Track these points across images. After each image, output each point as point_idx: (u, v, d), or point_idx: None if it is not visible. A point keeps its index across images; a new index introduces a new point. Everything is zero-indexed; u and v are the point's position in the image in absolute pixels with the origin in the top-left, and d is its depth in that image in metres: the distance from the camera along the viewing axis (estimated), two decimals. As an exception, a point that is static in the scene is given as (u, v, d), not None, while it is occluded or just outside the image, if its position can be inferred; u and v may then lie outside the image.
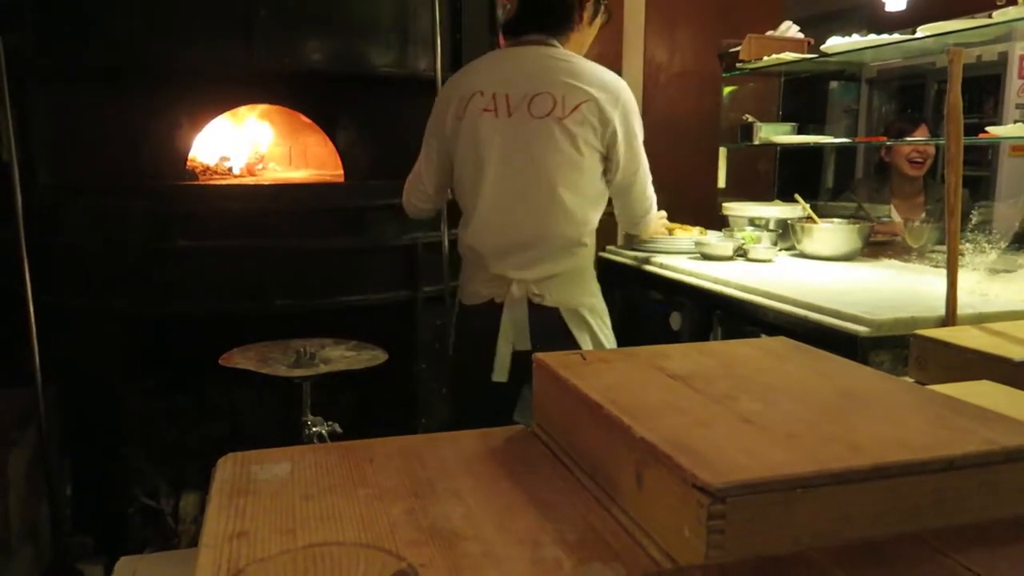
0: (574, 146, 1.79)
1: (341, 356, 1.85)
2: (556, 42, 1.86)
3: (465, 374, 1.94)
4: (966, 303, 1.76)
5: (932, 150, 2.98)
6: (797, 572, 0.58)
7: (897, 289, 2.09)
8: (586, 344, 1.86)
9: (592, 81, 1.80)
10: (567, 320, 1.85)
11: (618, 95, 1.81)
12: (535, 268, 1.83)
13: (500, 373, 1.83)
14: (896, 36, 2.43)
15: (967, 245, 2.05)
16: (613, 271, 2.71)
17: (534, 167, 1.80)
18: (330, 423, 1.79)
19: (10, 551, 1.93)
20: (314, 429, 1.77)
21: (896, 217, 2.98)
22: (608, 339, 1.93)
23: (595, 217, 1.89)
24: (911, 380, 1.21)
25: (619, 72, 2.69)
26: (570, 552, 0.64)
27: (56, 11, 2.18)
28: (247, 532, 0.67)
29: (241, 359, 1.79)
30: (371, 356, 1.85)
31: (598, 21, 1.95)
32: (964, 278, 1.80)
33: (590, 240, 1.89)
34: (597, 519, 0.70)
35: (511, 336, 1.84)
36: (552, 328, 1.84)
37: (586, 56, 1.91)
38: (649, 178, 1.92)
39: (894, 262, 2.53)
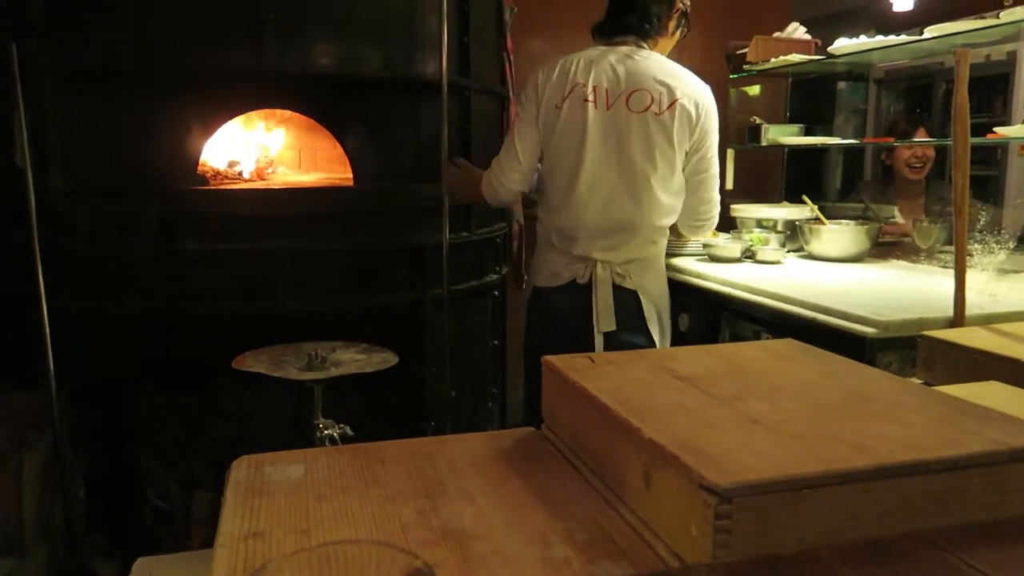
0: (668, 141, 1.94)
1: (352, 359, 1.87)
2: (646, 45, 2.02)
3: (543, 352, 1.97)
4: (974, 304, 1.76)
5: (932, 153, 2.99)
6: (804, 571, 0.59)
7: (905, 290, 2.09)
8: (654, 330, 2.02)
9: (687, 83, 1.97)
10: (643, 304, 2.01)
11: (707, 99, 1.98)
12: (621, 251, 2.00)
13: (598, 349, 1.97)
14: (903, 37, 2.42)
15: (976, 245, 2.05)
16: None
17: (630, 157, 1.95)
18: (341, 426, 1.80)
19: (25, 550, 1.95)
20: (326, 432, 1.79)
21: (900, 218, 2.99)
22: (667, 330, 2.08)
23: (679, 208, 2.05)
24: (919, 381, 1.21)
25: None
26: (579, 551, 0.65)
27: (68, 17, 2.20)
28: (262, 532, 0.68)
29: (253, 362, 1.80)
30: (382, 359, 1.87)
31: (679, 33, 2.11)
32: (973, 278, 1.80)
33: (667, 232, 2.08)
34: (606, 519, 0.71)
35: (601, 315, 1.98)
36: (630, 311, 2.00)
37: None
38: (717, 183, 2.04)
39: (902, 263, 2.53)
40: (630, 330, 2.00)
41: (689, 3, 2.09)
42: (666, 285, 2.10)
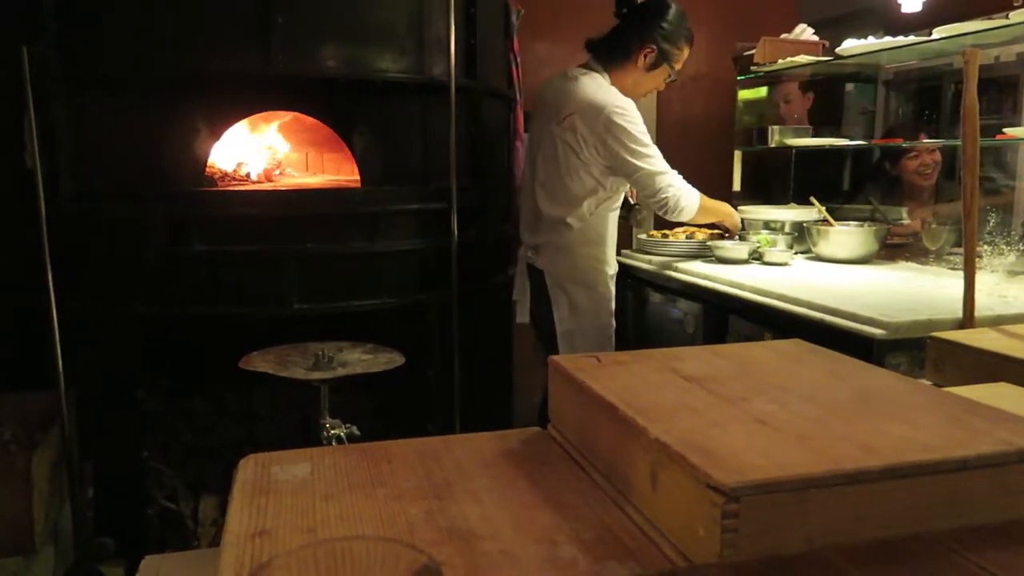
0: (566, 148, 2.30)
1: (358, 359, 1.87)
2: (602, 71, 2.34)
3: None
4: (984, 305, 1.75)
5: (939, 157, 2.97)
6: (811, 571, 0.59)
7: (914, 291, 2.08)
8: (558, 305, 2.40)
9: (579, 100, 2.27)
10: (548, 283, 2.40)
11: (600, 111, 2.23)
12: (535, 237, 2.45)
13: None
14: (912, 38, 2.41)
15: (985, 247, 2.04)
16: (628, 274, 2.72)
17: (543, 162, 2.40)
18: (348, 425, 1.81)
19: (34, 551, 1.96)
20: (332, 432, 1.79)
21: (907, 220, 2.97)
22: (579, 308, 2.39)
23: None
24: (928, 383, 1.20)
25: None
26: (586, 551, 0.65)
27: (78, 22, 2.22)
28: (268, 530, 0.68)
29: (260, 362, 1.81)
30: (388, 359, 1.87)
31: (659, 73, 2.36)
32: (982, 280, 1.79)
33: (575, 222, 2.34)
34: (612, 519, 0.71)
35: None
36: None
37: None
38: (652, 175, 2.24)
39: (911, 264, 2.52)
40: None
41: (675, 52, 2.33)
42: (580, 268, 2.38)
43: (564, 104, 2.31)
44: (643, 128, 2.26)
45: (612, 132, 2.22)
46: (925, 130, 2.94)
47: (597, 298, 2.39)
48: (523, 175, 2.56)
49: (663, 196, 2.25)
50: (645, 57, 2.32)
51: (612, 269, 2.44)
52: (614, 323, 2.44)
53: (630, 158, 2.23)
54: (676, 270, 2.50)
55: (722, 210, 2.48)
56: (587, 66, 2.36)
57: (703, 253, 2.63)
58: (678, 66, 2.38)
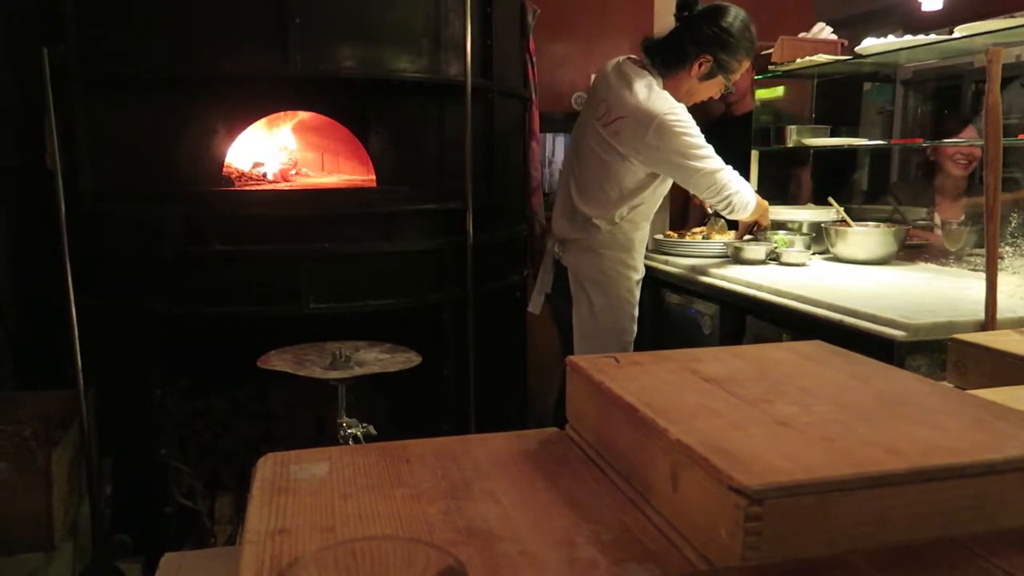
0: (605, 147, 2.23)
1: (376, 359, 1.87)
2: (656, 75, 2.24)
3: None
4: (1006, 307, 1.73)
5: (978, 152, 2.93)
6: (835, 575, 0.58)
7: (934, 293, 2.06)
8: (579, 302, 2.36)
9: (630, 105, 2.17)
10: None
11: (651, 120, 2.13)
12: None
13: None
14: (933, 36, 2.39)
15: (1007, 248, 2.01)
16: (645, 275, 2.70)
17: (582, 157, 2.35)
18: (365, 425, 1.81)
19: (53, 547, 1.97)
20: (349, 431, 1.79)
21: (938, 218, 2.93)
22: (597, 308, 2.35)
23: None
24: (950, 385, 1.19)
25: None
26: (606, 552, 0.64)
27: (98, 23, 2.24)
28: (288, 529, 0.68)
29: (278, 361, 1.82)
30: (405, 359, 1.87)
31: (715, 83, 2.27)
32: (1004, 281, 1.77)
33: (605, 225, 2.29)
34: (632, 520, 0.70)
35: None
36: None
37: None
38: (702, 180, 2.18)
39: (930, 266, 2.50)
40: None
41: (732, 63, 2.22)
42: (604, 270, 2.33)
43: (613, 104, 2.21)
44: (696, 131, 2.16)
45: (665, 140, 2.13)
46: (973, 123, 2.88)
47: (618, 302, 2.34)
48: (564, 163, 2.50)
49: (726, 194, 2.19)
50: (700, 66, 2.21)
51: (638, 275, 2.38)
52: (635, 329, 2.38)
53: (687, 162, 2.14)
54: (692, 270, 2.49)
55: (762, 205, 2.42)
56: (642, 66, 2.25)
57: (720, 253, 2.62)
58: (735, 77, 2.28)
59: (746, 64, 2.26)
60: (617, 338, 2.35)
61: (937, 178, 3.03)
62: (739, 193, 2.22)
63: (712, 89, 2.29)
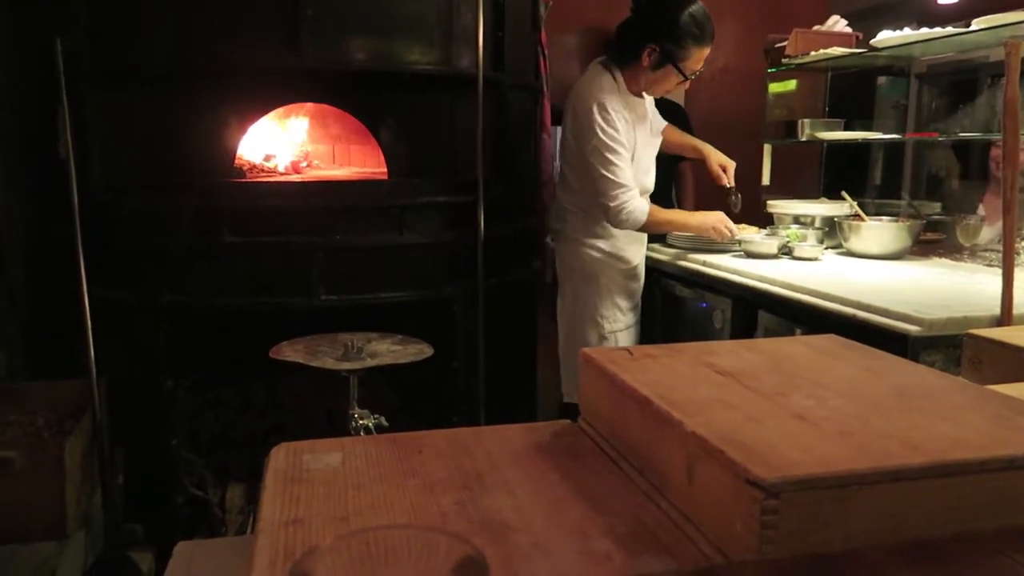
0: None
1: (388, 350, 1.87)
2: (616, 68, 2.32)
3: None
4: (1023, 302, 1.71)
5: None
6: (852, 570, 0.58)
7: (948, 288, 2.04)
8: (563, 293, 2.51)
9: (578, 90, 2.34)
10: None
11: (575, 100, 2.31)
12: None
13: None
14: (950, 29, 2.37)
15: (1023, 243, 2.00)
16: (655, 269, 2.70)
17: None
18: (376, 416, 1.81)
19: (66, 536, 1.99)
20: (361, 422, 1.79)
21: (983, 211, 2.87)
22: (580, 300, 2.45)
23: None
24: (966, 380, 1.18)
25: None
26: (620, 545, 0.64)
27: (110, 15, 2.24)
28: (301, 519, 0.68)
29: (290, 352, 1.82)
30: (417, 350, 1.87)
31: (669, 72, 2.27)
32: (1021, 276, 1.75)
33: (579, 212, 2.40)
34: (646, 513, 0.70)
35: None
36: None
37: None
38: (604, 178, 2.24)
39: (944, 261, 2.48)
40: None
41: (679, 52, 2.23)
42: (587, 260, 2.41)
43: (571, 93, 2.37)
44: (619, 137, 2.22)
45: (591, 126, 2.23)
46: None
47: (597, 289, 2.39)
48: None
49: (615, 204, 2.24)
50: (649, 56, 2.25)
51: (626, 264, 2.41)
52: (621, 318, 2.42)
53: (594, 158, 2.24)
54: (704, 264, 2.48)
55: (691, 221, 2.43)
56: (606, 64, 2.35)
57: (731, 248, 2.60)
58: (694, 66, 2.27)
59: (699, 52, 2.25)
60: (595, 327, 2.40)
61: (991, 180, 2.97)
62: (628, 210, 2.25)
63: (670, 79, 2.30)
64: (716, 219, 2.41)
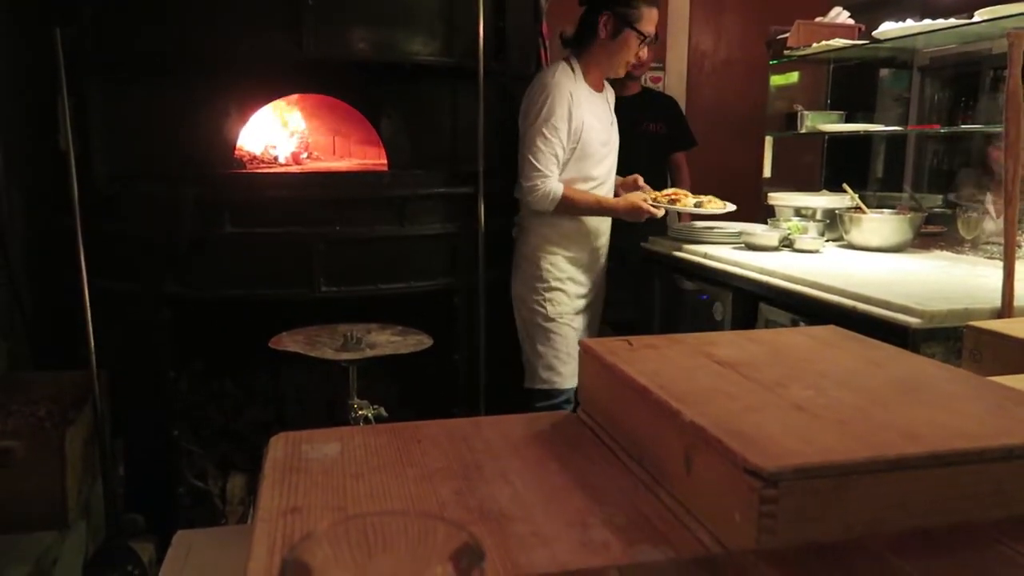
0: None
1: (387, 341, 1.87)
2: (574, 59, 2.39)
3: None
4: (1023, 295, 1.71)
5: None
6: (851, 559, 0.58)
7: (949, 280, 2.04)
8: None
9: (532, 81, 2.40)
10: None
11: (529, 89, 2.37)
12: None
13: None
14: (953, 20, 2.36)
15: (1024, 236, 1.99)
16: (655, 260, 2.70)
17: None
18: (375, 406, 1.81)
19: (68, 526, 1.99)
20: (360, 412, 1.80)
21: (991, 208, 2.86)
22: (529, 281, 2.48)
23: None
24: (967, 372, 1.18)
25: (663, 60, 2.66)
26: (618, 534, 0.64)
27: (111, 5, 2.23)
28: (300, 508, 0.68)
29: (290, 342, 1.82)
30: (416, 341, 1.87)
31: (629, 38, 2.33)
32: (1021, 269, 1.74)
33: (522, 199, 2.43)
34: (645, 503, 0.70)
35: None
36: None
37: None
38: (524, 159, 2.33)
39: (945, 253, 2.47)
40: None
41: (632, 12, 2.31)
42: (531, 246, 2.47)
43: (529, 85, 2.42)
44: (557, 124, 2.28)
45: (532, 110, 2.31)
46: None
47: (540, 274, 2.43)
48: None
49: (528, 184, 2.32)
50: (606, 26, 2.33)
51: (570, 252, 2.44)
52: (567, 301, 2.44)
53: (524, 138, 2.32)
54: (704, 256, 2.48)
55: (608, 204, 2.44)
56: (565, 58, 2.42)
57: (732, 240, 2.60)
58: (647, 27, 2.35)
59: (650, 12, 2.34)
60: (533, 311, 2.45)
61: (995, 176, 2.97)
62: (544, 194, 2.31)
63: (631, 46, 2.36)
64: (635, 198, 2.43)
